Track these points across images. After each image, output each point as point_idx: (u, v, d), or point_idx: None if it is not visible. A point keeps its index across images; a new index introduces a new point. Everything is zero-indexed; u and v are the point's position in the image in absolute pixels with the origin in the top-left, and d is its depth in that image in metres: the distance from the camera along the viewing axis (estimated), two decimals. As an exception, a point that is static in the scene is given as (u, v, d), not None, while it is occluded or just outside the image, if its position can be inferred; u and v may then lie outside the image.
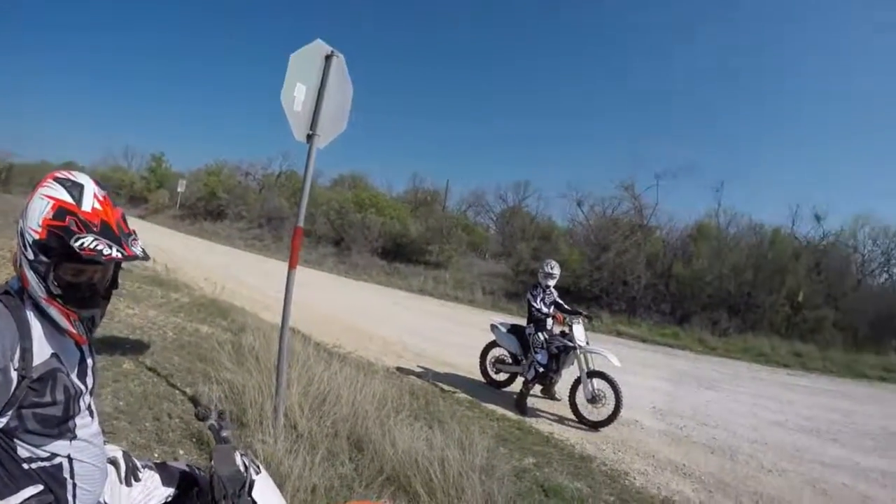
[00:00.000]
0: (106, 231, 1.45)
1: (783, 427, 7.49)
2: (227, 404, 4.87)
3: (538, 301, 7.29)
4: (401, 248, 25.57)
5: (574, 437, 6.28)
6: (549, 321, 7.29)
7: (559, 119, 66.08)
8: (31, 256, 1.43)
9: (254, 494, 1.76)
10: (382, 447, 4.32)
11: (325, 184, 37.31)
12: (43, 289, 1.45)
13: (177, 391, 5.59)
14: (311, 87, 4.58)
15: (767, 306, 17.19)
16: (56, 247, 1.41)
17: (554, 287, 7.56)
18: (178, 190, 39.01)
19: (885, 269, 20.95)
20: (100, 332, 7.02)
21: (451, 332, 11.89)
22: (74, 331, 1.53)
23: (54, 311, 1.48)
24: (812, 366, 13.15)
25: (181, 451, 4.38)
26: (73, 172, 1.52)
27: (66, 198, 1.44)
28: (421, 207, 33.63)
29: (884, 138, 45.31)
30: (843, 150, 47.72)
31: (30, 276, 1.45)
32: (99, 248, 1.40)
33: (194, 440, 4.56)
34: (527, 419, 6.68)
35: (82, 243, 1.38)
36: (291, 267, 4.61)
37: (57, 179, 1.48)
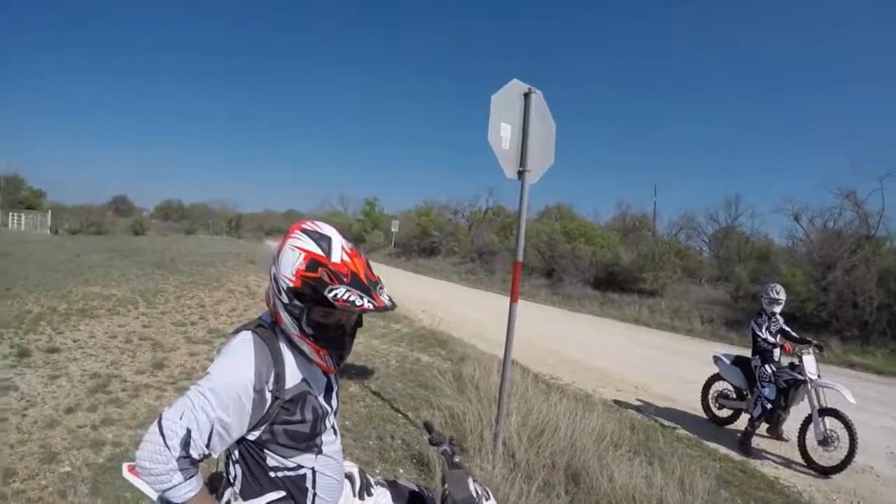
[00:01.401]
0: (356, 282, 1.59)
1: None
2: (447, 430, 5.11)
3: (763, 329, 6.72)
4: (613, 277, 24.89)
5: (801, 483, 5.74)
6: (777, 351, 6.71)
7: (767, 128, 61.10)
8: (285, 300, 1.62)
9: None
10: (599, 482, 4.28)
11: (532, 216, 37.58)
12: (296, 328, 1.64)
13: (399, 415, 6.00)
14: (514, 125, 4.72)
15: None
16: (310, 294, 1.58)
17: (779, 314, 6.94)
18: (392, 230, 42.04)
19: None
20: None
21: (671, 364, 11.37)
22: (324, 364, 1.72)
23: (306, 347, 1.68)
24: None
25: (401, 470, 4.70)
26: (318, 223, 1.69)
27: (317, 250, 1.60)
28: (630, 234, 32.80)
29: None
30: None
31: (284, 316, 1.65)
32: (351, 299, 1.55)
33: (415, 461, 4.86)
34: (751, 461, 6.22)
35: (335, 294, 1.55)
36: (513, 300, 4.74)
37: (305, 231, 1.64)
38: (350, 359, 7.84)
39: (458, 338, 10.92)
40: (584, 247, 27.49)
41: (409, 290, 19.63)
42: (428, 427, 2.30)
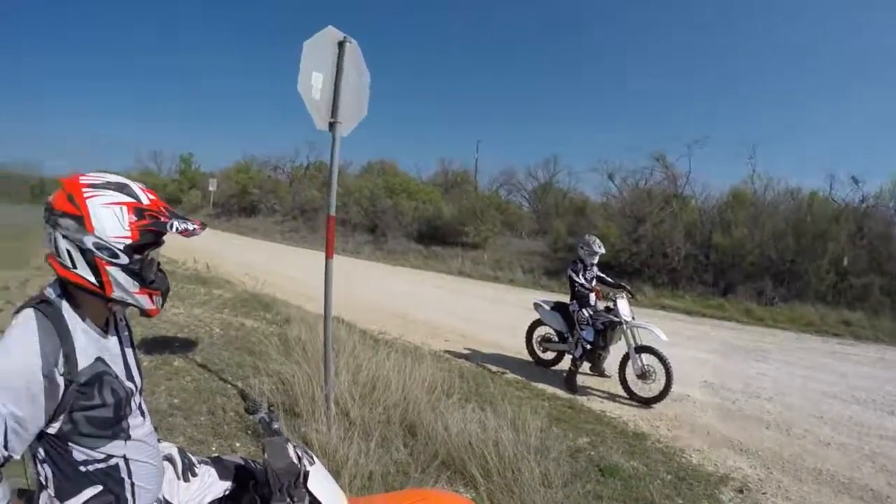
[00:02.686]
0: (172, 213, 1.59)
1: (838, 399, 7.29)
2: (278, 396, 4.94)
3: (580, 276, 7.16)
4: (436, 232, 25.53)
5: (626, 414, 6.23)
6: (592, 296, 7.18)
7: (584, 96, 65.40)
8: (125, 261, 1.50)
9: (309, 485, 1.77)
10: (435, 431, 4.33)
11: (354, 172, 37.66)
12: (138, 283, 1.55)
13: (228, 385, 5.70)
14: (327, 74, 4.53)
15: (812, 273, 16.69)
16: (150, 242, 1.54)
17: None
18: (210, 189, 39.81)
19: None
20: (148, 331, 7.25)
21: (495, 313, 11.86)
22: (156, 306, 1.64)
23: (144, 298, 1.59)
24: (862, 334, 12.75)
25: (237, 444, 4.47)
26: (95, 174, 1.57)
27: (129, 199, 1.52)
28: (452, 189, 33.70)
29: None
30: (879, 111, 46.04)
31: (121, 279, 1.52)
32: (186, 226, 1.56)
33: (250, 433, 4.64)
34: (578, 397, 6.64)
35: (176, 227, 1.54)
36: (328, 256, 4.63)
37: (96, 186, 1.52)
38: (172, 331, 7.48)
39: (282, 299, 10.65)
40: (407, 202, 27.90)
41: (231, 252, 18.86)
42: (243, 395, 2.20)
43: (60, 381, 1.42)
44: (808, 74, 51.68)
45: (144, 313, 1.64)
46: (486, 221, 24.41)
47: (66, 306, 1.53)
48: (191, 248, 14.30)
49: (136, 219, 1.49)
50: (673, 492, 4.34)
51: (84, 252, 1.48)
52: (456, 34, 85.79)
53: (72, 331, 1.50)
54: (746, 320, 13.60)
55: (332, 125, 4.59)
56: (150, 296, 1.60)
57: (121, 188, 1.53)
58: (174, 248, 13.53)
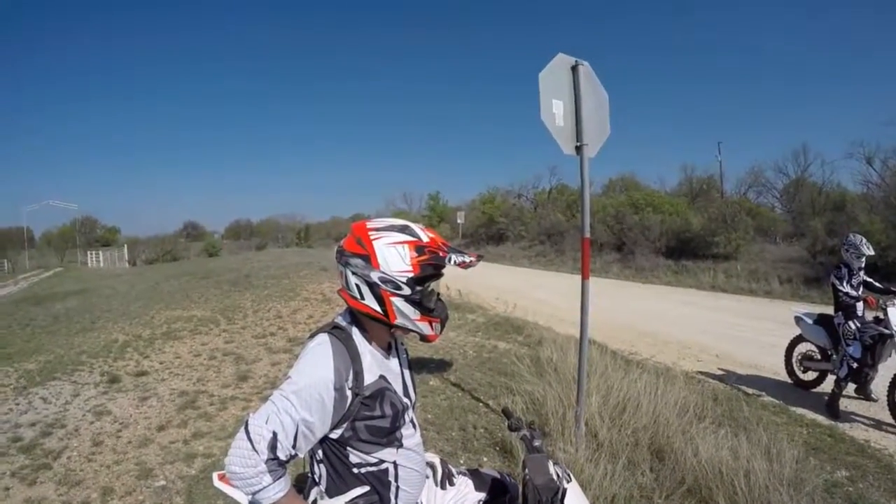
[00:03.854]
0: (449, 247, 1.72)
1: None
2: (528, 415, 5.07)
3: (844, 283, 6.27)
4: (685, 245, 24.31)
5: (894, 445, 5.35)
6: (860, 306, 6.27)
7: (828, 73, 57.73)
8: (407, 292, 1.68)
9: (566, 502, 1.79)
10: (684, 457, 4.15)
11: (596, 191, 37.32)
12: (419, 311, 1.72)
13: (480, 404, 5.97)
14: (566, 100, 4.58)
15: None
16: (430, 274, 1.70)
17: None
18: (459, 221, 42.02)
19: None
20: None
21: (751, 329, 10.92)
22: (435, 332, 1.80)
23: (425, 325, 1.76)
24: None
25: (485, 459, 4.69)
26: (378, 219, 1.78)
27: (410, 238, 1.69)
28: (698, 198, 32.10)
29: None
30: None
31: (403, 308, 1.70)
32: (462, 259, 1.71)
33: (498, 448, 4.84)
34: (839, 424, 5.85)
35: (454, 261, 1.70)
36: (585, 278, 4.63)
37: (379, 229, 1.72)
38: (428, 352, 7.99)
39: (533, 322, 10.80)
40: (653, 216, 26.93)
41: (481, 279, 19.61)
42: (506, 413, 2.28)
43: (349, 394, 1.65)
44: None
45: (425, 339, 1.80)
46: (736, 229, 22.62)
47: (355, 332, 1.78)
48: (443, 279, 15.11)
49: (416, 255, 1.66)
50: None
51: (371, 286, 1.70)
52: (682, 35, 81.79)
53: (360, 352, 1.73)
54: None
55: (578, 148, 4.63)
56: (431, 323, 1.76)
57: (402, 229, 1.72)
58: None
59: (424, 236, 1.71)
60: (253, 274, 18.87)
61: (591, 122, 4.69)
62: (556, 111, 4.51)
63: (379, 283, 1.68)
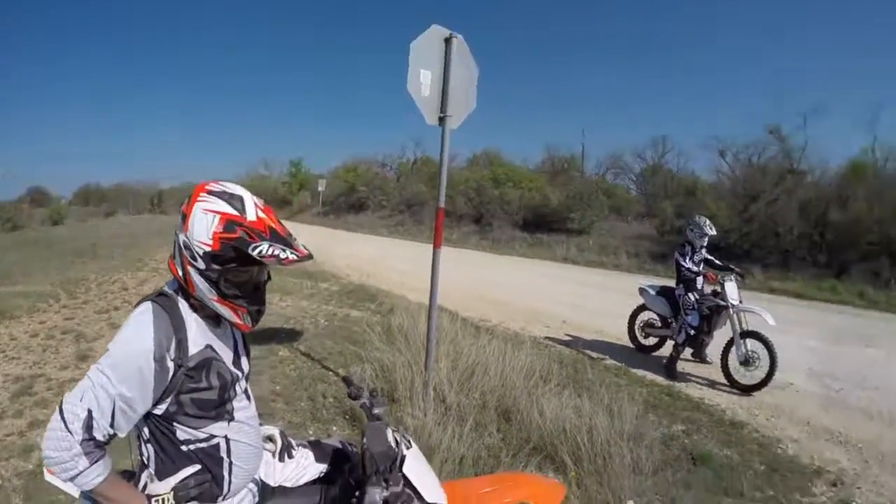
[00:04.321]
0: (275, 236, 1.57)
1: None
2: (378, 382, 5.10)
3: (687, 259, 6.84)
4: (542, 219, 25.15)
5: (725, 402, 5.98)
6: (700, 280, 6.88)
7: (693, 71, 62.57)
8: (202, 266, 1.56)
9: (405, 469, 1.80)
10: (530, 417, 4.34)
11: (460, 165, 37.53)
12: (215, 292, 1.59)
13: (330, 373, 5.92)
14: (435, 71, 4.57)
15: (935, 253, 15.15)
16: (230, 255, 1.54)
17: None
18: (319, 189, 41.00)
19: None
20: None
21: (598, 299, 11.60)
22: (242, 322, 1.67)
23: (225, 310, 1.63)
24: None
25: (334, 428, 4.66)
26: (224, 183, 1.65)
27: (231, 210, 1.56)
28: (559, 176, 33.05)
29: None
30: None
31: (199, 282, 1.58)
32: (276, 252, 1.53)
33: (347, 417, 4.83)
34: (676, 384, 6.43)
35: (261, 251, 1.52)
36: (436, 247, 4.68)
37: (213, 193, 1.59)
38: (278, 322, 7.80)
39: (387, 290, 10.88)
40: (513, 191, 27.65)
41: (338, 247, 19.40)
42: (347, 381, 2.23)
43: (171, 365, 1.53)
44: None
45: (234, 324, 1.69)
46: (592, 206, 23.85)
47: (181, 299, 1.65)
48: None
49: (223, 230, 1.53)
50: (765, 483, 4.20)
51: (179, 248, 1.60)
52: (556, 19, 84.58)
53: (185, 321, 1.61)
54: (860, 304, 12.53)
55: (441, 119, 4.64)
56: (235, 310, 1.64)
57: (231, 199, 1.58)
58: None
59: (251, 214, 1.57)
60: (100, 243, 17.74)
61: (458, 95, 4.70)
62: (423, 81, 4.49)
63: (182, 247, 1.59)
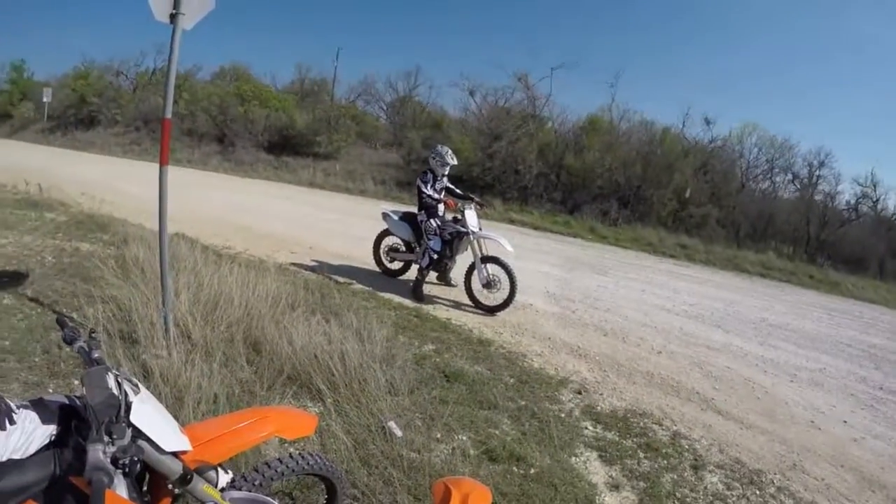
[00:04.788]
0: None
1: (670, 312, 7.92)
2: (115, 323, 4.57)
3: (429, 187, 7.11)
4: (288, 142, 24.83)
5: (471, 322, 6.38)
6: (441, 207, 7.22)
7: (449, 10, 64.13)
8: None
9: (132, 418, 1.58)
10: (280, 347, 4.26)
11: (205, 78, 34.98)
12: None
13: (64, 319, 5.22)
14: (167, -42, 4.05)
15: (656, 200, 18.03)
16: None
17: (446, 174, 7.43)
18: (44, 100, 35.10)
19: (769, 176, 22.78)
20: None
21: (344, 224, 11.75)
22: None
23: None
24: (696, 258, 13.94)
25: (76, 382, 4.12)
26: None
27: None
28: (308, 98, 32.44)
29: (780, 48, 46.70)
30: (737, 55, 48.88)
31: None
32: None
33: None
34: (424, 306, 6.73)
35: None
36: (162, 163, 4.32)
37: None
38: (-2, 264, 6.66)
39: (121, 218, 9.83)
40: (259, 110, 26.54)
41: (66, 170, 17.11)
42: (60, 323, 1.92)
43: None
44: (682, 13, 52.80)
45: None
46: (339, 131, 23.87)
47: None
48: (20, 168, 12.95)
49: None
50: (516, 394, 4.55)
51: None
52: None
53: None
54: (591, 237, 14.32)
55: (173, 17, 4.22)
56: None
57: None
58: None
59: None
60: None
61: (194, -11, 4.15)
62: (153, -31, 3.89)
63: None
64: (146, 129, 29.71)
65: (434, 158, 7.21)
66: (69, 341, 1.85)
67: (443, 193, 7.27)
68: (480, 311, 6.74)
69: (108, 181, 15.51)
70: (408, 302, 6.82)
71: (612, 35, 52.25)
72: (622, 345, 6.24)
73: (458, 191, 7.50)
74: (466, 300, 6.92)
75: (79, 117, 33.84)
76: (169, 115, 4.35)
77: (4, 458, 1.63)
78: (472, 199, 7.25)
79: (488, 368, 5.00)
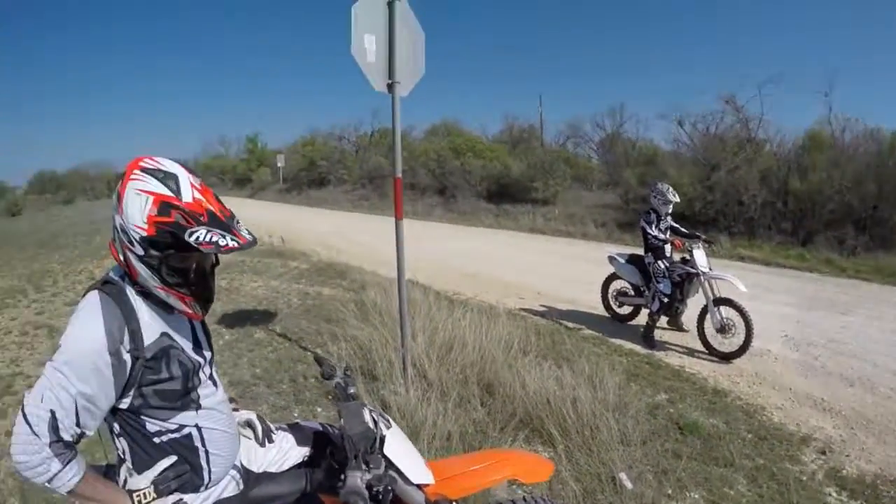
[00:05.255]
0: (213, 220, 1.46)
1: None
2: (356, 360, 5.05)
3: (653, 227, 6.80)
4: (505, 189, 25.00)
5: (705, 369, 5.97)
6: (668, 248, 6.86)
7: (649, 41, 62.76)
8: (140, 252, 1.46)
9: (385, 450, 1.74)
10: (513, 390, 4.29)
11: (419, 136, 37.31)
12: (157, 279, 1.49)
13: (308, 353, 5.86)
14: (380, 36, 4.42)
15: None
16: (168, 241, 1.43)
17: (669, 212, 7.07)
18: (279, 165, 40.48)
19: None
20: (229, 307, 7.56)
21: (569, 268, 11.55)
22: (191, 311, 1.58)
23: (171, 298, 1.53)
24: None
25: (318, 409, 4.61)
26: (159, 160, 1.52)
27: (165, 191, 1.44)
28: (519, 146, 32.90)
29: None
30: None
31: (140, 268, 1.49)
32: (214, 239, 1.43)
33: (330, 398, 4.76)
34: (655, 353, 6.42)
35: (198, 237, 1.42)
36: (398, 218, 4.58)
37: (145, 170, 1.47)
38: (251, 304, 7.69)
39: (357, 266, 10.72)
40: (474, 161, 27.36)
41: (303, 224, 19.17)
42: (318, 361, 2.17)
43: (127, 357, 1.45)
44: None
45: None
46: (554, 176, 23.69)
47: (128, 285, 1.54)
48: (263, 223, 14.57)
49: (157, 213, 1.42)
50: (753, 451, 4.17)
51: (116, 231, 1.50)
52: None
53: (136, 308, 1.51)
54: (828, 271, 12.72)
55: (390, 86, 4.50)
56: (182, 298, 1.54)
57: (166, 178, 1.46)
58: (246, 223, 14.12)
59: (188, 195, 1.45)
60: (61, 233, 17.36)
61: (405, 61, 4.55)
62: (367, 46, 4.32)
63: (119, 230, 1.49)
64: (371, 185, 32.31)
65: (655, 197, 6.92)
66: (327, 377, 2.08)
67: (668, 233, 6.95)
68: (715, 358, 6.27)
69: (342, 233, 17.02)
70: (638, 348, 6.56)
71: (817, 39, 47.64)
72: (871, 397, 5.41)
73: (682, 229, 7.10)
74: (699, 346, 6.48)
75: (310, 178, 38.03)
76: (399, 174, 4.63)
77: (261, 471, 1.89)
78: (698, 238, 6.84)
79: (724, 421, 4.64)
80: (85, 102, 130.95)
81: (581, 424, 3.85)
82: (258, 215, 20.56)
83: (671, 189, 6.85)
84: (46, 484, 1.42)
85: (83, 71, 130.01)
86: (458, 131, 35.43)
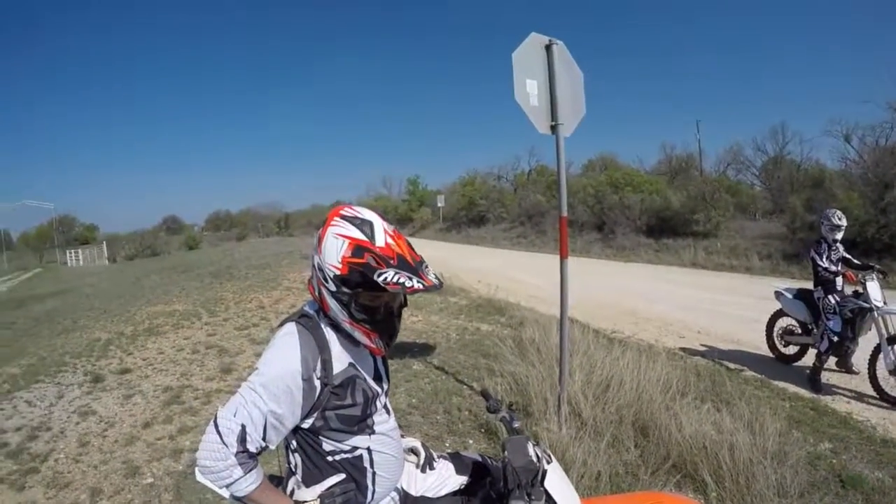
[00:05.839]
0: (402, 263, 1.60)
1: None
2: (511, 396, 5.13)
3: (824, 258, 6.30)
4: (665, 223, 24.20)
5: (875, 416, 5.39)
6: (839, 280, 6.31)
7: (806, 52, 58.05)
8: (332, 288, 1.64)
9: (546, 484, 1.80)
10: (668, 432, 4.19)
11: (576, 171, 37.33)
12: (346, 314, 1.66)
13: (464, 386, 6.03)
14: (541, 80, 4.54)
15: None
16: (358, 280, 1.59)
17: (840, 240, 6.49)
18: (439, 205, 42.24)
19: None
20: None
21: (732, 305, 10.98)
22: (375, 346, 1.74)
23: (357, 333, 1.70)
24: None
25: (471, 442, 4.74)
26: (358, 208, 1.71)
27: (360, 236, 1.61)
28: (677, 176, 31.97)
29: None
30: None
31: (332, 303, 1.68)
32: (401, 280, 1.56)
33: (483, 431, 4.89)
34: (821, 397, 5.91)
35: (385, 278, 1.55)
36: (563, 257, 4.61)
37: (345, 218, 1.66)
38: (411, 337, 8.04)
39: (515, 303, 10.86)
40: (632, 195, 26.76)
41: (462, 261, 19.65)
42: (485, 395, 2.28)
43: (317, 384, 1.63)
44: None
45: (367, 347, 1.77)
46: (716, 206, 22.58)
47: (323, 319, 1.76)
48: (425, 260, 15.00)
49: (350, 255, 1.59)
50: None
51: (314, 269, 1.72)
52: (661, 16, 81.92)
53: (329, 340, 1.70)
54: None
55: (553, 128, 4.61)
56: (367, 334, 1.70)
57: (362, 225, 1.64)
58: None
59: (380, 240, 1.62)
60: (234, 265, 18.90)
61: (566, 102, 4.65)
62: (530, 91, 4.47)
63: (317, 268, 1.68)
64: (529, 223, 32.56)
65: (823, 224, 6.44)
66: (492, 411, 2.21)
67: (840, 264, 6.40)
68: (886, 404, 5.65)
69: (500, 270, 17.27)
70: (803, 392, 6.10)
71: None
72: None
73: (854, 260, 6.53)
74: (870, 390, 5.86)
75: (469, 217, 39.11)
76: (565, 213, 4.69)
77: (419, 494, 2.06)
78: (872, 268, 6.25)
79: (892, 476, 4.14)
80: (256, 150, 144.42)
81: (736, 472, 3.69)
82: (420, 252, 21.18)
83: (837, 213, 6.37)
84: (224, 488, 1.59)
85: (255, 130, 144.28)
86: (615, 165, 35.08)
